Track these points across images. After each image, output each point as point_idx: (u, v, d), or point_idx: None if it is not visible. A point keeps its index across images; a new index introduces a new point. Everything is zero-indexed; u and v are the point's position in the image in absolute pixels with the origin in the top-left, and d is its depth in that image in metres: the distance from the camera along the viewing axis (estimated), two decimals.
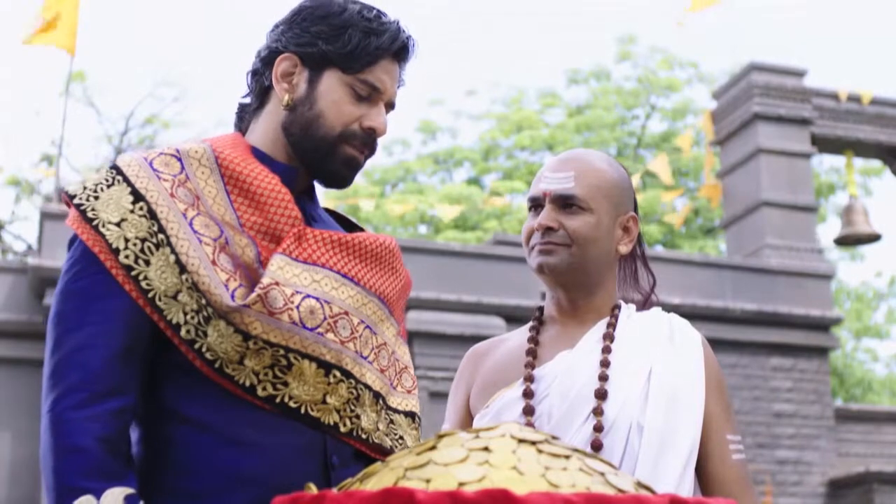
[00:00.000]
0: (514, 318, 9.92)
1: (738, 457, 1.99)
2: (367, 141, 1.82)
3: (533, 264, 2.04)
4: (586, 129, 20.86)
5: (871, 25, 44.15)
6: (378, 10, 1.85)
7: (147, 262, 1.66)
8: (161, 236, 1.67)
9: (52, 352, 1.65)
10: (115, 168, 1.73)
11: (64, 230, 9.44)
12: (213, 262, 1.67)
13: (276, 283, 1.67)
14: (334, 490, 1.32)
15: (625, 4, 37.68)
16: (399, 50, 1.83)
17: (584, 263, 2.02)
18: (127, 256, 1.65)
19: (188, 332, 1.65)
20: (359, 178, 21.20)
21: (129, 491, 1.58)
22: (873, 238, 11.57)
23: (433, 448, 1.33)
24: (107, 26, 33.89)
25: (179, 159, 1.74)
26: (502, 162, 21.51)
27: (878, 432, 11.51)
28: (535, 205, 2.05)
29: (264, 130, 1.84)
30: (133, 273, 1.65)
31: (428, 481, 1.26)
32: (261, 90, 1.85)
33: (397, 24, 1.84)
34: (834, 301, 12.58)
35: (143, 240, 1.67)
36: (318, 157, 1.81)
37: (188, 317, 1.65)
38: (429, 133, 22.30)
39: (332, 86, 1.79)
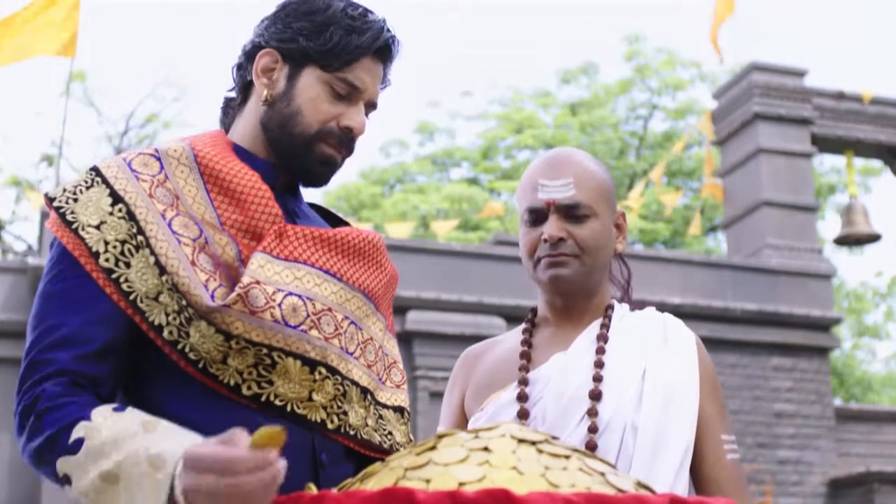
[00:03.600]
0: (514, 318, 9.92)
1: (732, 457, 1.98)
2: (344, 140, 1.80)
3: (543, 277, 2.00)
4: (589, 129, 20.87)
5: (871, 25, 44.15)
6: (364, 8, 1.82)
7: (127, 265, 1.66)
8: (140, 238, 1.66)
9: (28, 350, 1.65)
10: (95, 170, 1.72)
11: None
12: (193, 263, 1.66)
13: (257, 282, 1.66)
14: (334, 490, 1.32)
15: (625, 4, 37.67)
16: (381, 49, 1.81)
17: (593, 270, 2.01)
18: (107, 259, 1.65)
19: (170, 333, 1.64)
20: (358, 179, 21.29)
21: (113, 405, 1.58)
22: (873, 238, 11.57)
23: (433, 448, 1.33)
24: (107, 26, 33.89)
25: (158, 159, 1.73)
26: (501, 161, 21.53)
27: (879, 432, 11.51)
28: (537, 216, 2.01)
29: (244, 126, 1.83)
30: (113, 276, 1.65)
31: (428, 481, 1.25)
32: (243, 85, 1.85)
33: (381, 22, 1.82)
34: (833, 300, 12.58)
35: (123, 242, 1.66)
36: (295, 155, 1.79)
37: (170, 318, 1.64)
38: (426, 134, 22.32)
39: (310, 83, 1.78)
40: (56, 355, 1.62)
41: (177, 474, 1.40)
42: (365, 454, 1.77)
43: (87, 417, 1.55)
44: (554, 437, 1.36)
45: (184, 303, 1.64)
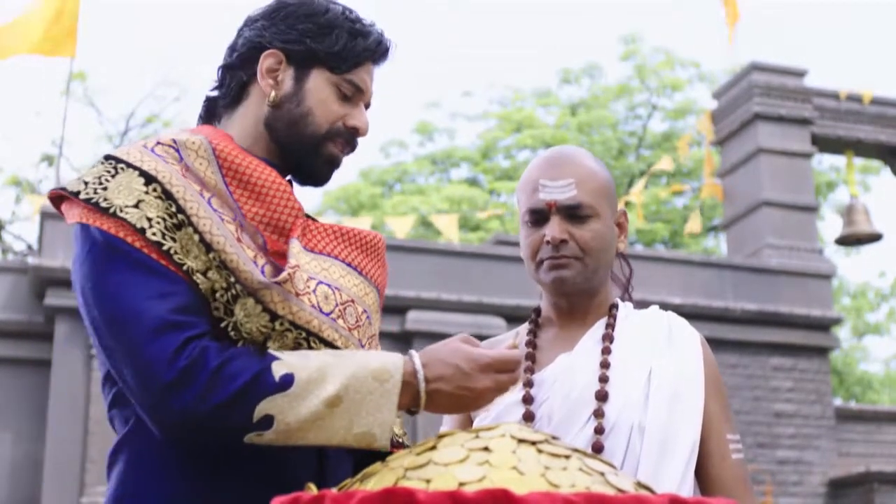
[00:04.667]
0: (514, 318, 9.92)
1: (737, 456, 1.97)
2: (350, 140, 1.84)
3: (546, 279, 1.99)
4: (588, 129, 20.87)
5: (871, 25, 44.16)
6: (357, 13, 1.87)
7: (174, 240, 1.63)
8: (181, 216, 1.64)
9: (141, 318, 1.57)
10: (113, 158, 1.69)
11: (65, 230, 9.43)
12: (239, 240, 1.66)
13: (297, 266, 1.68)
14: (334, 490, 1.32)
15: (624, 3, 37.67)
16: (382, 53, 1.86)
17: (596, 271, 2.00)
18: (154, 234, 1.62)
19: (216, 309, 1.64)
20: (357, 180, 21.27)
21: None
22: (874, 238, 11.57)
23: (433, 448, 1.33)
24: (107, 26, 33.90)
25: (177, 150, 1.71)
26: (500, 161, 21.53)
27: (879, 432, 11.51)
28: (539, 216, 2.00)
29: (242, 126, 1.82)
30: (164, 248, 1.62)
31: (428, 481, 1.25)
32: (238, 85, 1.83)
33: (378, 27, 1.87)
34: (833, 299, 12.57)
35: (164, 219, 1.63)
36: (302, 155, 1.81)
37: (217, 294, 1.63)
38: (426, 134, 22.31)
39: (319, 84, 1.80)
40: (191, 319, 1.59)
41: (420, 379, 1.62)
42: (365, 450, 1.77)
43: (275, 357, 1.58)
44: (554, 438, 1.36)
45: (232, 279, 1.63)
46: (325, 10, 1.82)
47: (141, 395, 1.57)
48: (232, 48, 1.85)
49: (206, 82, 1.90)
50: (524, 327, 2.11)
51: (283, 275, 1.64)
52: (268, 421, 1.55)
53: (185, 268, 1.62)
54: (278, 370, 1.56)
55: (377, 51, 1.84)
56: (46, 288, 9.35)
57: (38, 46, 8.90)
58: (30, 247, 18.01)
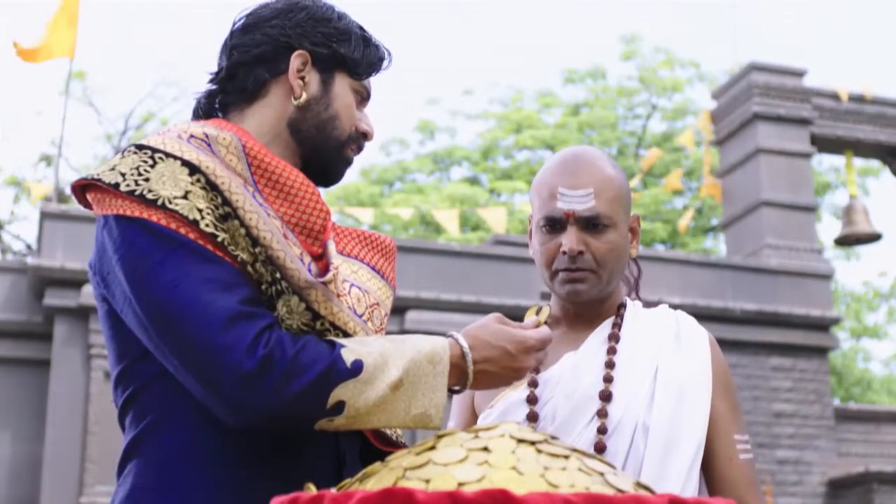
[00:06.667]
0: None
1: (745, 456, 1.96)
2: (361, 144, 1.87)
3: (561, 291, 1.99)
4: (588, 129, 20.87)
5: (871, 25, 44.18)
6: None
7: (224, 231, 1.62)
8: (226, 208, 1.62)
9: (210, 309, 1.55)
10: (149, 148, 1.64)
11: (64, 230, 9.43)
12: (285, 237, 1.65)
13: (338, 268, 1.69)
14: (333, 490, 1.32)
15: (625, 3, 37.68)
16: (389, 62, 1.91)
17: (610, 281, 2.00)
18: (207, 225, 1.60)
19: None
20: (357, 178, 21.26)
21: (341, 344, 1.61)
22: (873, 238, 11.58)
23: (432, 448, 1.33)
24: (107, 26, 33.90)
25: (209, 144, 1.69)
26: (501, 161, 21.53)
27: (878, 432, 11.52)
28: (555, 224, 1.97)
29: (260, 124, 1.80)
30: (218, 240, 1.61)
31: (427, 481, 1.25)
32: (256, 83, 1.80)
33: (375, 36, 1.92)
34: (832, 300, 12.56)
35: (212, 210, 1.62)
36: (326, 156, 1.82)
37: (262, 287, 1.63)
38: (427, 133, 22.30)
39: (344, 89, 1.83)
40: (259, 309, 1.59)
41: (469, 361, 1.67)
42: (375, 449, 1.78)
43: (342, 344, 1.61)
44: (553, 438, 1.36)
45: (277, 276, 1.63)
46: (339, 16, 1.84)
47: (214, 387, 1.55)
48: (246, 45, 1.81)
49: (205, 82, 1.88)
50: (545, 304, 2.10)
51: (329, 275, 1.65)
52: (340, 406, 1.57)
53: (238, 259, 1.62)
54: (348, 357, 1.58)
55: (387, 60, 1.89)
56: (45, 288, 9.35)
57: (47, 52, 8.92)
58: (29, 247, 18.02)
